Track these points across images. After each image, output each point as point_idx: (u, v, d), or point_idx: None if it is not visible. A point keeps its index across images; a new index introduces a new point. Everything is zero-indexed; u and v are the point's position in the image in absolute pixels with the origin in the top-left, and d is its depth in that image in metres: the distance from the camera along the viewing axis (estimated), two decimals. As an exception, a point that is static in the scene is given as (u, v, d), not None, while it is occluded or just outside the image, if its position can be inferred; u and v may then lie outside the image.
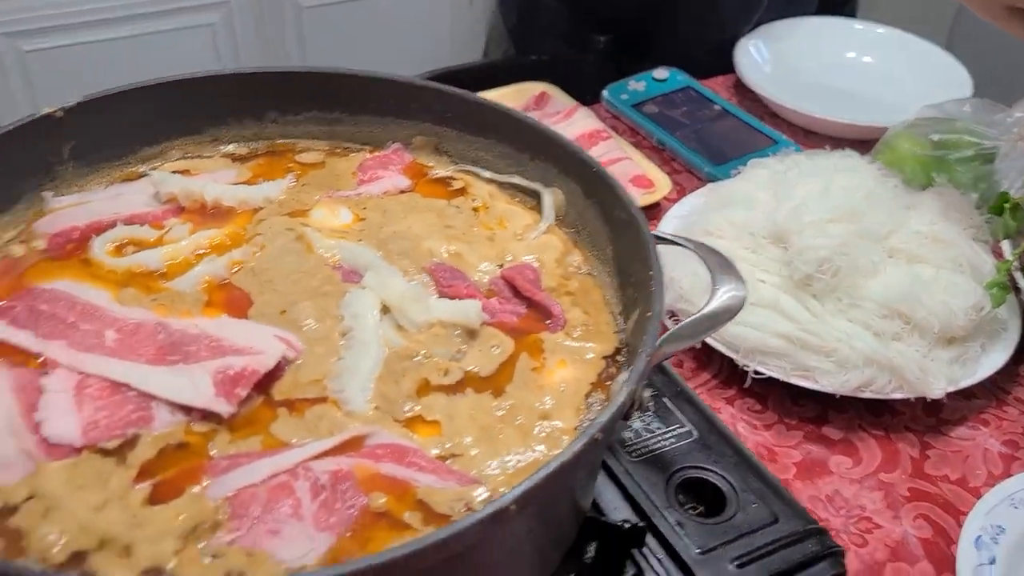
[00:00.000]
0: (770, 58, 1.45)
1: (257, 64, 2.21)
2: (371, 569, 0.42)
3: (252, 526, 0.50)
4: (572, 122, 1.23)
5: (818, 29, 1.48)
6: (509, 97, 1.30)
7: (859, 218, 0.96)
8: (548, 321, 0.65)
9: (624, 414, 0.53)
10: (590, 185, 0.70)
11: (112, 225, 0.70)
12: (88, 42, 2.41)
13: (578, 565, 0.66)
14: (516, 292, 0.67)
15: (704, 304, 0.63)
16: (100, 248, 0.68)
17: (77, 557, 0.49)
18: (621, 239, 0.67)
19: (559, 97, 1.32)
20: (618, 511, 0.69)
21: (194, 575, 0.48)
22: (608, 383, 0.61)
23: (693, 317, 0.62)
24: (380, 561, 0.42)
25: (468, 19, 2.79)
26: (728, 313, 0.63)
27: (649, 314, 0.56)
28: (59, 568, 0.48)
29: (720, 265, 0.66)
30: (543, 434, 0.57)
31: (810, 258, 0.94)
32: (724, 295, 0.63)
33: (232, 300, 0.65)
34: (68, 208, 0.72)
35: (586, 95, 1.34)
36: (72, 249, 0.68)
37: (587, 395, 0.60)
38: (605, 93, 1.40)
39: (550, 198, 0.73)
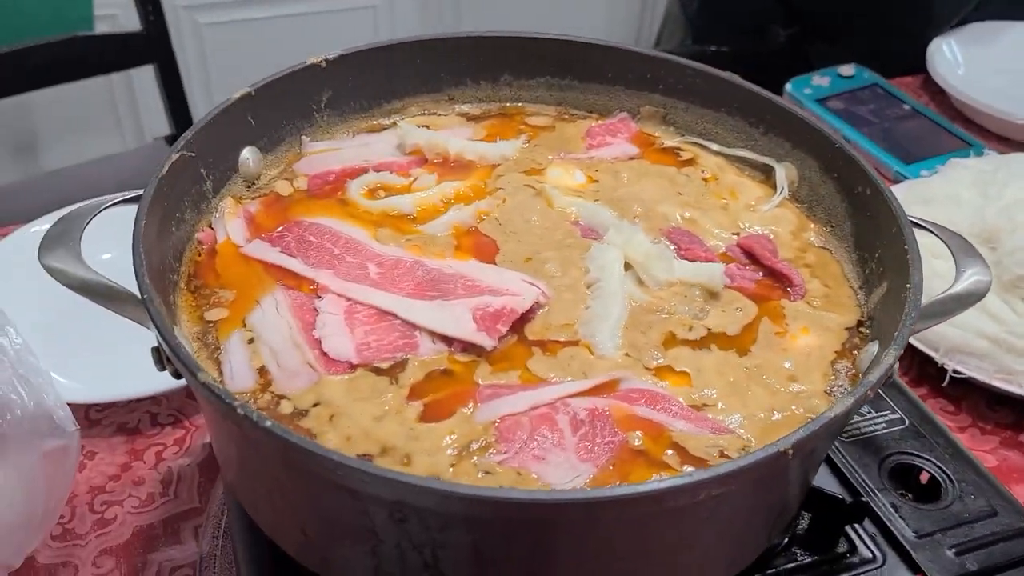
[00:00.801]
0: (963, 60, 1.40)
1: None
2: (662, 492, 0.44)
3: (519, 450, 0.53)
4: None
5: (1020, 35, 1.42)
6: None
7: (1077, 223, 0.93)
8: (789, 289, 0.65)
9: (884, 380, 0.53)
10: (829, 161, 0.71)
11: (364, 171, 0.75)
12: (258, 18, 2.55)
13: (791, 535, 0.66)
14: (752, 259, 0.68)
15: (949, 286, 0.62)
16: (356, 190, 0.73)
17: (363, 460, 0.53)
18: (862, 215, 0.67)
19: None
20: (830, 488, 0.69)
21: (470, 487, 0.52)
22: (854, 352, 0.62)
23: (940, 296, 0.61)
24: (669, 486, 0.44)
25: (624, 5, 2.82)
26: (973, 296, 0.62)
27: (908, 286, 0.57)
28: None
29: (963, 249, 0.65)
30: (791, 393, 0.58)
31: (1022, 259, 0.91)
32: (969, 278, 0.63)
33: (480, 246, 0.68)
34: (322, 153, 0.77)
35: (765, 89, 1.34)
36: (330, 190, 0.73)
37: (832, 362, 0.61)
38: (788, 87, 1.39)
39: (783, 172, 0.74)
